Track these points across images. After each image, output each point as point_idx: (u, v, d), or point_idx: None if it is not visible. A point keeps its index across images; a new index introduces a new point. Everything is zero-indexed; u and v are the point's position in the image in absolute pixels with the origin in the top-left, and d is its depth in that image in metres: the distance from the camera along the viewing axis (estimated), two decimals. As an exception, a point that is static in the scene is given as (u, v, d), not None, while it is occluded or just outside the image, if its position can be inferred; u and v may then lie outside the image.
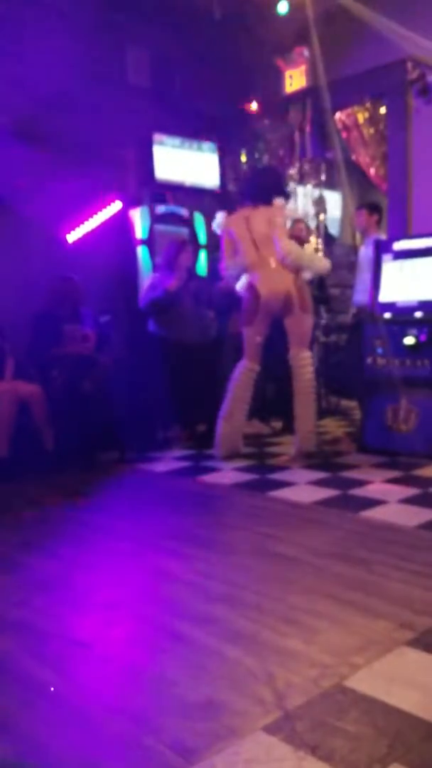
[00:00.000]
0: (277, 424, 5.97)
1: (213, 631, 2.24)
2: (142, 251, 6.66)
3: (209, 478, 4.45)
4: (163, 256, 5.77)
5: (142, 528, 3.46)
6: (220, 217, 4.94)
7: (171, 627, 2.29)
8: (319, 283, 5.98)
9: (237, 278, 4.92)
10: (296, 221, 6.18)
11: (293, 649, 2.11)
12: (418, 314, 4.85)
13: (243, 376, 4.88)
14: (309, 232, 6.93)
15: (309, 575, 2.72)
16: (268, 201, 4.85)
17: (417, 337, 4.80)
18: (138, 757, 1.62)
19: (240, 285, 4.93)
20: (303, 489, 4.08)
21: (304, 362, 4.79)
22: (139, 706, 1.83)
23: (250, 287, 4.81)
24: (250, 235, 4.78)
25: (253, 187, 5.07)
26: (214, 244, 6.83)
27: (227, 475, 4.49)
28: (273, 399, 5.83)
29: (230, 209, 5.05)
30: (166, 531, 3.38)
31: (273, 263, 4.77)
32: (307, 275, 4.82)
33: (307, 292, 4.81)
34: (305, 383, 4.80)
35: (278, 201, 4.88)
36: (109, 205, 6.56)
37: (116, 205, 6.61)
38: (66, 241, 6.23)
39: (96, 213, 6.43)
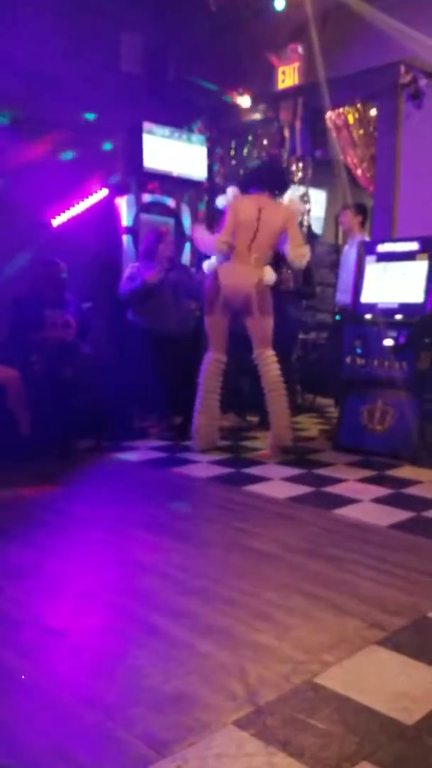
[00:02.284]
0: (253, 418, 6.00)
1: (186, 624, 2.26)
2: (127, 239, 6.63)
3: (185, 469, 4.46)
4: (143, 246, 5.74)
5: (118, 518, 3.47)
6: (231, 192, 4.85)
7: (145, 619, 2.31)
8: (306, 278, 5.99)
9: (222, 255, 4.84)
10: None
11: (266, 644, 2.14)
12: (398, 316, 4.90)
13: (211, 367, 4.91)
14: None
15: (282, 571, 2.75)
16: (280, 193, 4.85)
17: (396, 339, 4.85)
18: (110, 749, 1.63)
19: (206, 267, 4.92)
20: (277, 484, 4.11)
21: (268, 360, 4.81)
22: (112, 697, 1.84)
23: (215, 277, 4.82)
24: (257, 225, 4.73)
25: (270, 177, 4.98)
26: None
27: (203, 467, 4.51)
28: (249, 393, 5.84)
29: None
30: (141, 522, 3.39)
31: (251, 261, 4.75)
32: (269, 279, 4.78)
33: (268, 295, 4.81)
34: (273, 380, 4.81)
35: (295, 202, 4.88)
36: (96, 191, 6.51)
37: (102, 192, 6.57)
38: (51, 225, 6.17)
39: (82, 199, 6.38)
